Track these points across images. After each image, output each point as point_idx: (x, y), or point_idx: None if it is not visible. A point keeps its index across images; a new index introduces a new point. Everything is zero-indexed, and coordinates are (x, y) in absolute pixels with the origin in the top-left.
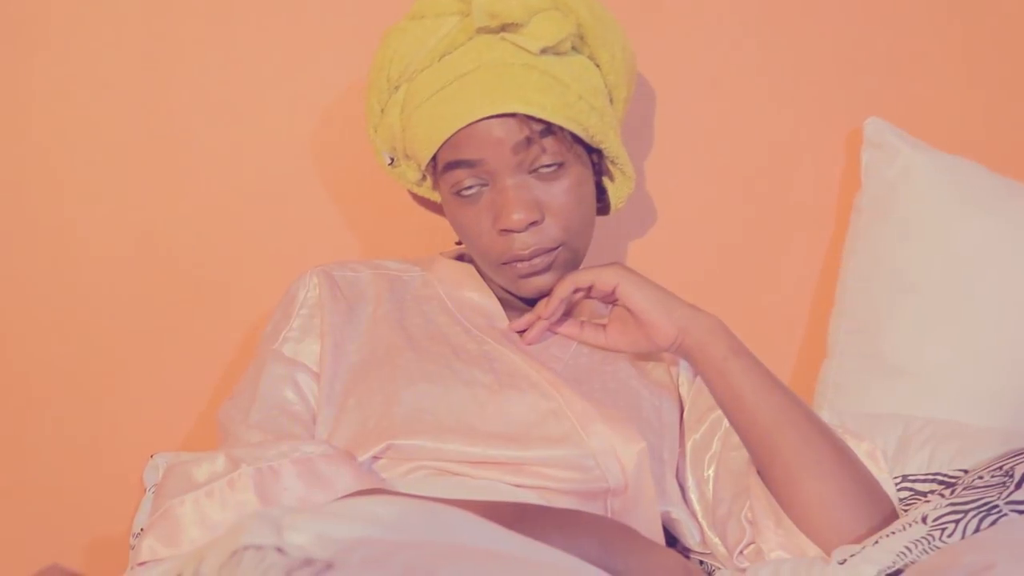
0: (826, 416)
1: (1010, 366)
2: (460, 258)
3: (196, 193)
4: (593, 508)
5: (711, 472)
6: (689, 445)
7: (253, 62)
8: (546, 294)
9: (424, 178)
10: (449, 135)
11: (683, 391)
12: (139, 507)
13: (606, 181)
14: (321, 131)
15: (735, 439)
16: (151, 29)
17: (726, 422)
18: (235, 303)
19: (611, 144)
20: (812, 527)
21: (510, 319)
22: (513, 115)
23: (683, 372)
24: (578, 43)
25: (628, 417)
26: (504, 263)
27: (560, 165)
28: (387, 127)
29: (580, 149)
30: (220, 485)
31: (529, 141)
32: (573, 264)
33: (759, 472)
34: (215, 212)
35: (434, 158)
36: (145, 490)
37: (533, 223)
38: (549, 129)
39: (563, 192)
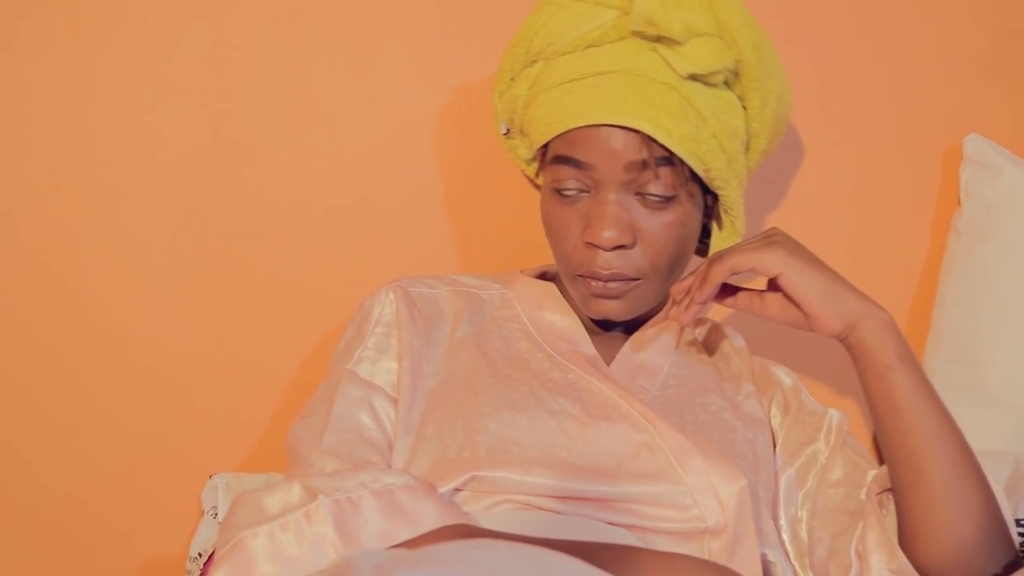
0: None
1: None
2: (542, 276)
3: (260, 203)
4: (690, 549)
5: (805, 511)
6: (782, 481)
7: (324, 63)
8: (610, 321)
9: (534, 159)
10: (568, 129)
11: (775, 424)
12: (196, 530)
13: (713, 226)
14: (398, 136)
15: (834, 475)
16: (216, 28)
17: (823, 458)
18: (300, 320)
19: (730, 193)
20: (938, 566)
21: (597, 339)
22: (638, 132)
23: (775, 405)
24: (731, 79)
25: (724, 452)
26: (580, 275)
27: (669, 199)
28: (512, 98)
29: (695, 188)
30: (296, 517)
31: (645, 164)
32: (650, 300)
33: (894, 492)
34: (279, 224)
35: (546, 146)
36: (203, 512)
37: (621, 246)
38: (669, 159)
39: (663, 226)
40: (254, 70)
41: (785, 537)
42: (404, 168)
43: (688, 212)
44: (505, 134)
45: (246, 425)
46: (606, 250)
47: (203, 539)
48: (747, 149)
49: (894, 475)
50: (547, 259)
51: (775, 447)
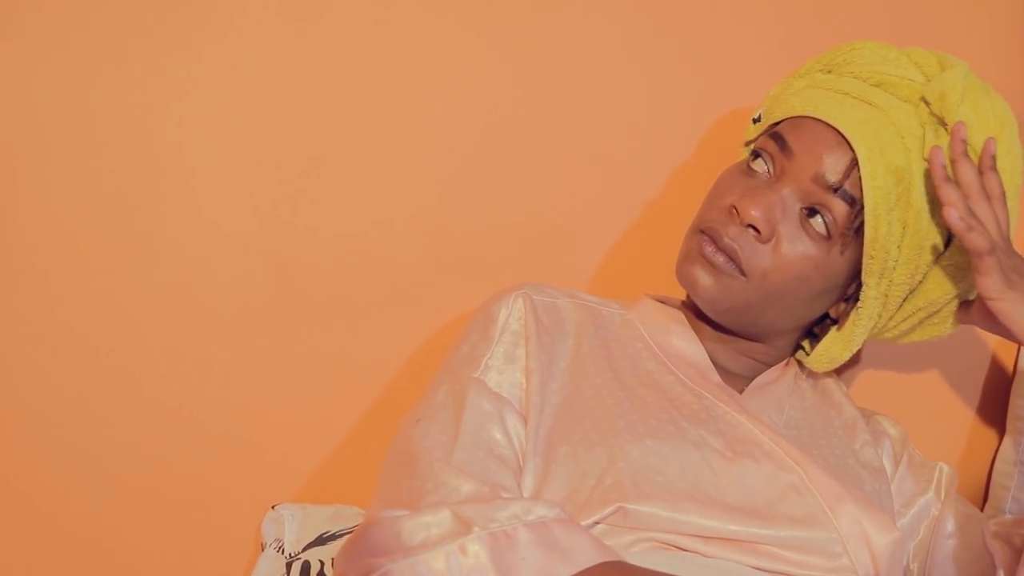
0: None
1: None
2: (663, 303)
3: (334, 219)
4: None
5: (916, 564)
6: None
7: (407, 73)
8: (696, 300)
9: (750, 143)
10: (803, 114)
11: (888, 473)
12: (257, 564)
13: (830, 332)
14: (481, 153)
15: (948, 526)
16: (297, 33)
17: (935, 510)
18: (370, 347)
19: (866, 294)
20: None
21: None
22: (854, 160)
23: (885, 455)
24: None
25: (869, 500)
26: (702, 230)
27: (825, 237)
28: (787, 86)
29: (852, 252)
30: (450, 549)
31: (832, 188)
32: (735, 306)
33: None
34: (354, 239)
35: (776, 124)
36: (262, 544)
37: (756, 230)
38: (854, 201)
39: (800, 253)
40: (333, 78)
41: None
42: (487, 187)
43: (830, 263)
44: (756, 120)
45: (301, 456)
46: (742, 224)
47: (264, 574)
48: (910, 293)
49: None
50: (643, 291)
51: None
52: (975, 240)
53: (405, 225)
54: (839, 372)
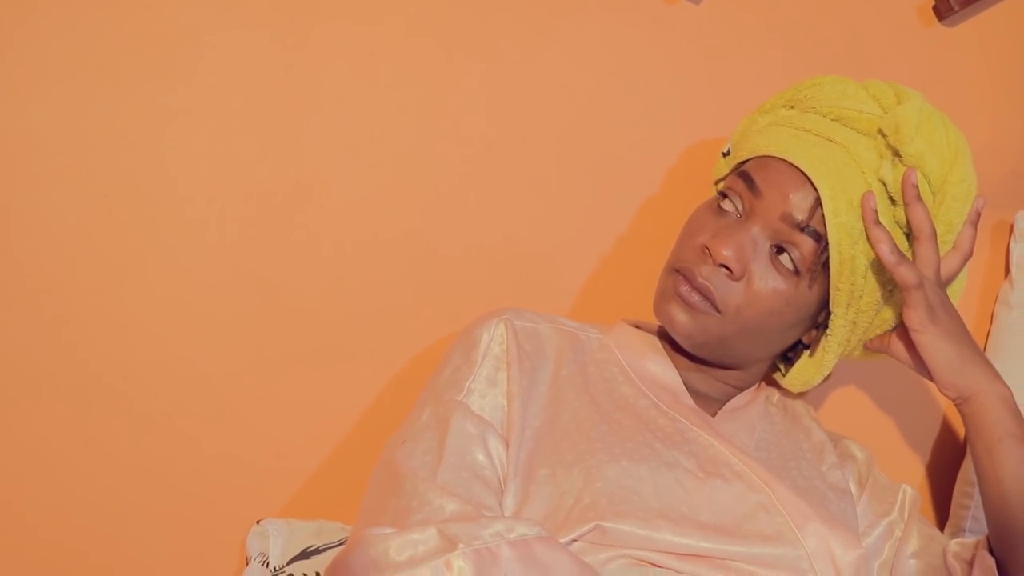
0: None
1: None
2: (639, 328)
3: (320, 243)
4: None
5: None
6: None
7: (392, 103)
8: (674, 336)
9: (722, 180)
10: (768, 154)
11: (854, 494)
12: None
13: (803, 357)
14: (465, 180)
15: (911, 547)
16: (285, 65)
17: (899, 530)
18: (354, 365)
19: (835, 323)
20: None
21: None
22: (818, 198)
23: (851, 478)
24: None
25: (836, 519)
26: (677, 269)
27: (793, 273)
28: (753, 122)
29: (820, 286)
30: (436, 566)
31: (798, 226)
32: (711, 341)
33: (996, 558)
34: (341, 261)
35: (741, 163)
36: (248, 559)
37: (728, 269)
38: (819, 237)
39: (771, 288)
40: (319, 106)
41: None
42: (469, 214)
43: (799, 297)
44: (724, 154)
45: (286, 473)
46: (714, 263)
47: None
48: (875, 312)
49: (995, 542)
50: (618, 315)
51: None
52: (904, 274)
53: (391, 248)
54: (808, 393)
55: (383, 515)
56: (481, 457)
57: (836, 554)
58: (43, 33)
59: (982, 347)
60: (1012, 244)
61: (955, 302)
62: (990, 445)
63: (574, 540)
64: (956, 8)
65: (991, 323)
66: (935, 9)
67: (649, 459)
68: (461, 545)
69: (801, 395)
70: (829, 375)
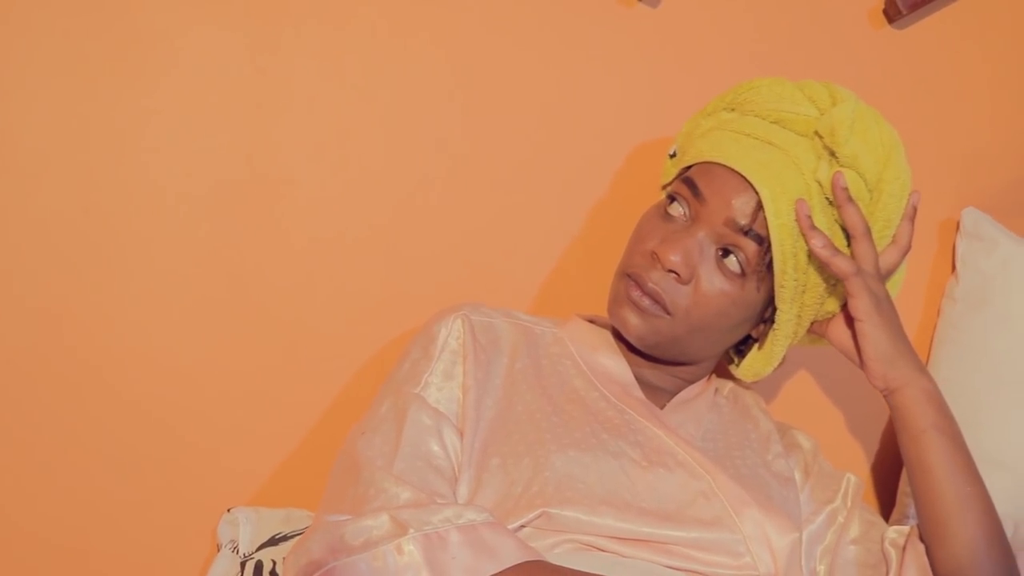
0: (914, 514)
1: None
2: (593, 322)
3: (291, 238)
4: None
5: (823, 566)
6: (804, 537)
7: (359, 102)
8: (628, 338)
9: (669, 184)
10: (711, 160)
11: (797, 484)
12: (212, 563)
13: (753, 350)
14: (432, 174)
15: (852, 533)
16: (254, 65)
17: (841, 517)
18: (324, 357)
19: (781, 318)
20: None
21: (643, 391)
22: (757, 199)
23: (796, 467)
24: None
25: (773, 504)
26: (628, 274)
27: (739, 275)
28: (696, 125)
29: (766, 285)
30: (388, 549)
31: (741, 230)
32: (664, 342)
33: (925, 545)
34: (312, 259)
35: (687, 168)
36: (217, 546)
37: (676, 275)
38: (762, 240)
39: (717, 290)
40: (290, 106)
41: None
42: (433, 213)
43: (746, 297)
44: (671, 156)
45: (255, 463)
46: (663, 269)
47: (219, 573)
48: (820, 305)
49: (923, 530)
50: (576, 309)
51: (799, 505)
52: (840, 264)
53: (357, 246)
54: (761, 385)
55: (342, 502)
56: (436, 447)
57: (771, 538)
58: (19, 37)
59: (929, 340)
60: (958, 240)
61: (895, 294)
62: (915, 436)
63: (522, 526)
64: (904, 12)
65: (938, 317)
66: (885, 12)
67: (595, 449)
68: (411, 530)
69: (753, 386)
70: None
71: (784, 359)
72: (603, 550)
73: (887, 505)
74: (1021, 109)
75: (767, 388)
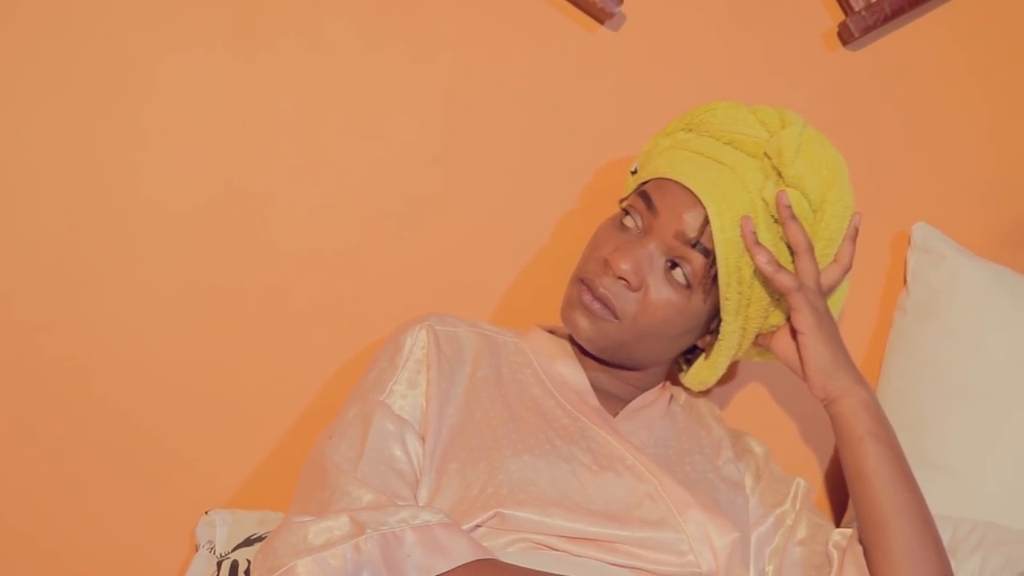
0: None
1: None
2: (553, 332)
3: (267, 250)
4: None
5: (771, 567)
6: (753, 538)
7: (333, 123)
8: (578, 340)
9: (626, 199)
10: (666, 177)
11: (748, 488)
12: (191, 563)
13: (699, 359)
14: (403, 191)
15: (799, 534)
16: (231, 87)
17: (790, 519)
18: (298, 365)
19: (725, 329)
20: None
21: (598, 399)
22: (705, 214)
23: (748, 471)
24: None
25: (717, 506)
26: (581, 279)
27: (685, 286)
28: (655, 144)
29: (712, 297)
30: (346, 548)
31: (689, 242)
32: (613, 346)
33: (863, 547)
34: (289, 270)
35: (644, 183)
36: (196, 547)
37: (626, 282)
38: (708, 253)
39: (664, 299)
40: (266, 128)
41: None
42: (404, 227)
43: (691, 308)
44: (633, 172)
45: (232, 468)
46: (614, 276)
47: (197, 573)
48: (764, 319)
49: (862, 533)
50: (542, 318)
51: (748, 508)
52: (783, 279)
53: (332, 258)
54: (711, 391)
55: (309, 504)
56: (399, 452)
57: (713, 538)
58: (3, 60)
59: (882, 351)
60: (909, 254)
61: (837, 310)
62: (852, 443)
63: (477, 526)
64: (857, 35)
65: (891, 328)
66: (839, 35)
67: (548, 454)
68: (369, 530)
69: (706, 394)
70: (734, 374)
71: (735, 371)
72: (554, 549)
73: (839, 509)
74: (972, 127)
75: (728, 397)
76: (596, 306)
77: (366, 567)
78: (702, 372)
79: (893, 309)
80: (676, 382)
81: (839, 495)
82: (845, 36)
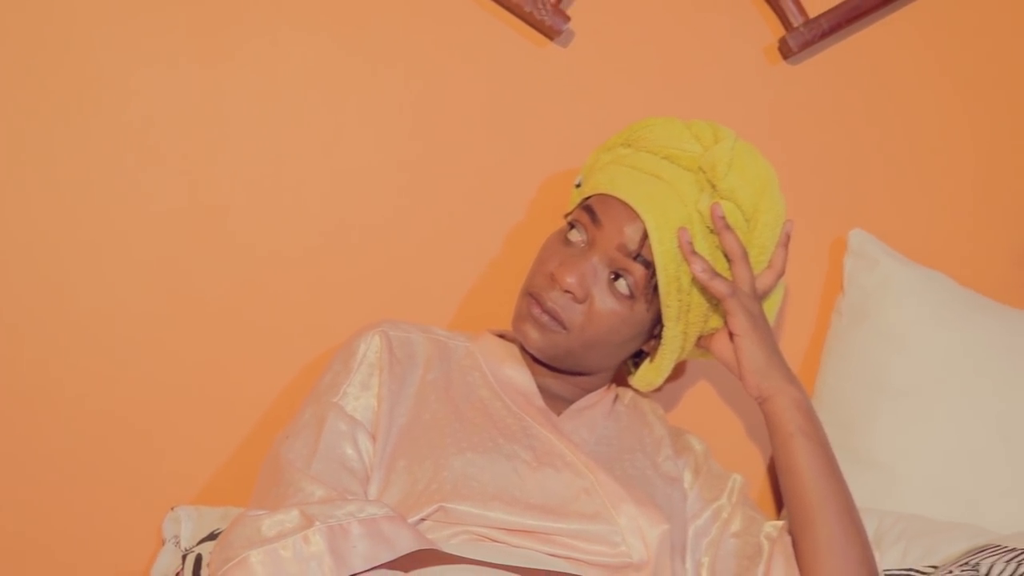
0: None
1: (970, 464)
2: (502, 337)
3: (230, 258)
4: None
5: (707, 558)
6: (691, 531)
7: (292, 136)
8: (529, 351)
9: (571, 213)
10: (608, 192)
11: (687, 483)
12: (157, 557)
13: (645, 362)
14: (361, 198)
15: (734, 527)
16: (192, 102)
17: (725, 513)
18: (262, 365)
19: (667, 336)
20: None
21: (544, 400)
22: (644, 227)
23: (687, 468)
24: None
25: (650, 500)
26: (530, 293)
27: (628, 296)
28: (597, 159)
29: (655, 306)
30: (295, 540)
31: (631, 255)
32: (561, 354)
33: (792, 537)
34: (250, 274)
35: (588, 198)
36: (163, 541)
37: (572, 295)
38: (649, 265)
39: (608, 309)
40: (229, 138)
41: None
42: (365, 230)
43: (635, 317)
44: (577, 185)
45: (197, 467)
46: (560, 289)
47: (164, 565)
48: (704, 323)
49: (790, 524)
50: (494, 325)
51: (686, 502)
52: (718, 286)
53: (291, 266)
54: (661, 389)
55: (265, 499)
56: (350, 451)
57: (644, 529)
58: None
59: (820, 352)
60: (845, 259)
61: (773, 314)
62: (783, 439)
63: (423, 519)
64: (796, 50)
65: (828, 330)
66: (779, 49)
67: (491, 452)
68: (318, 523)
69: (658, 391)
70: (682, 372)
71: (683, 370)
72: (495, 540)
73: (780, 501)
74: (905, 138)
75: (677, 395)
76: (545, 318)
77: (314, 558)
78: (648, 374)
79: (831, 312)
80: (625, 383)
81: (780, 489)
82: (785, 51)
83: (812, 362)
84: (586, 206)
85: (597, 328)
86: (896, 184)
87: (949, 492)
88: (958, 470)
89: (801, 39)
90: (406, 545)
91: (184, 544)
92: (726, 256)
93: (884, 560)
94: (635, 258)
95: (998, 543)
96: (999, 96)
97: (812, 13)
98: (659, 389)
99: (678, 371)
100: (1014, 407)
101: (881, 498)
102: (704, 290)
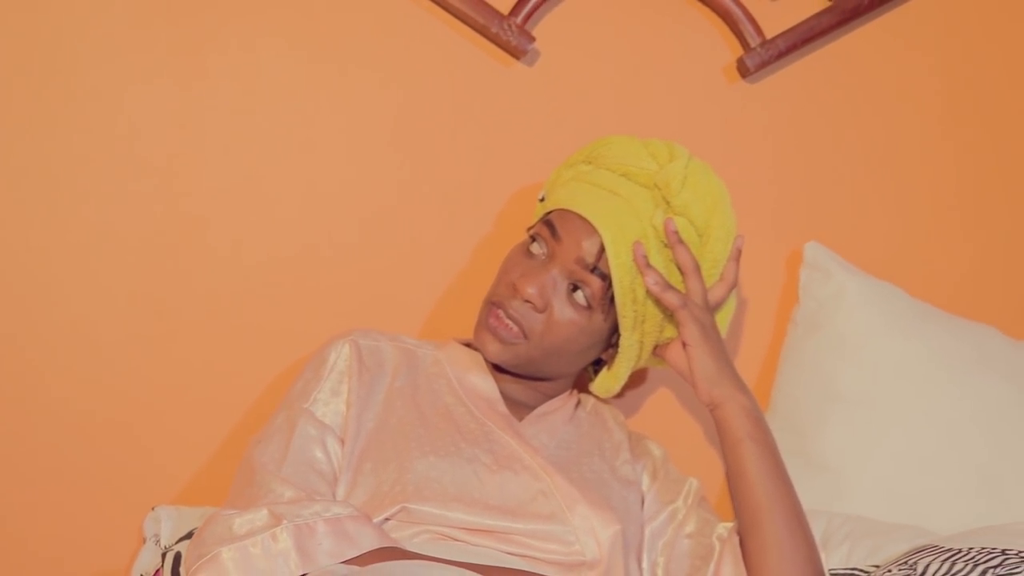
0: None
1: (917, 469)
2: (469, 345)
3: (210, 267)
4: None
5: (663, 558)
6: (647, 532)
7: (269, 150)
8: (488, 359)
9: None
10: (568, 208)
11: (644, 486)
12: (138, 554)
13: (604, 370)
14: (336, 210)
15: (688, 528)
16: (173, 116)
17: (680, 515)
18: (240, 370)
19: (624, 345)
20: None
21: (507, 405)
22: (601, 240)
23: (645, 471)
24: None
25: (604, 502)
26: (493, 302)
27: (586, 307)
28: (559, 175)
29: (611, 317)
30: (264, 538)
31: (588, 267)
32: (522, 362)
33: (740, 538)
34: (227, 284)
35: (549, 212)
36: (144, 540)
37: (533, 304)
38: (605, 277)
39: (567, 319)
40: (204, 153)
41: None
42: (339, 241)
43: (593, 326)
44: (541, 200)
45: (178, 468)
46: (521, 298)
47: (145, 563)
48: (659, 332)
49: (739, 526)
50: (462, 334)
51: (643, 505)
52: (670, 298)
53: (268, 276)
54: (623, 395)
55: (238, 500)
56: (319, 454)
57: (597, 530)
58: None
59: (776, 361)
60: (801, 270)
61: (726, 325)
62: (733, 444)
63: (387, 519)
64: (753, 70)
65: (784, 339)
66: (738, 69)
67: (452, 455)
68: (285, 521)
69: (619, 398)
70: (644, 378)
71: (644, 377)
72: (455, 540)
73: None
74: (861, 153)
75: (638, 402)
76: (508, 324)
77: (281, 555)
78: (607, 381)
79: (788, 322)
80: (586, 390)
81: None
82: (743, 70)
83: (769, 370)
84: (547, 220)
85: (556, 337)
86: (851, 198)
87: (896, 496)
88: (906, 474)
89: (758, 59)
90: (369, 543)
91: (164, 543)
92: (680, 269)
93: (830, 559)
94: (592, 271)
95: (937, 543)
96: (951, 112)
97: (769, 34)
98: (620, 396)
99: (639, 379)
100: (961, 414)
101: (831, 501)
102: (658, 302)
